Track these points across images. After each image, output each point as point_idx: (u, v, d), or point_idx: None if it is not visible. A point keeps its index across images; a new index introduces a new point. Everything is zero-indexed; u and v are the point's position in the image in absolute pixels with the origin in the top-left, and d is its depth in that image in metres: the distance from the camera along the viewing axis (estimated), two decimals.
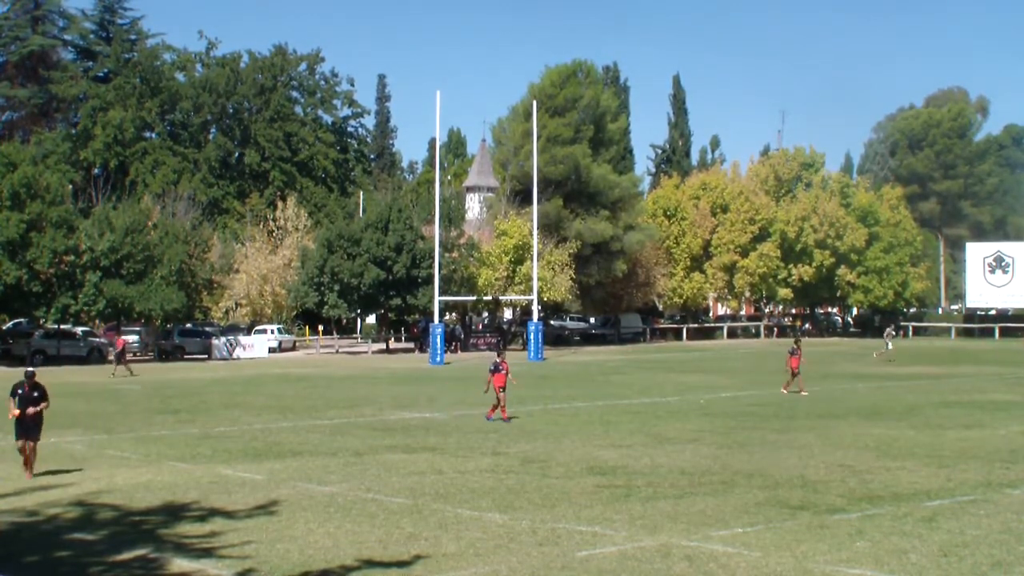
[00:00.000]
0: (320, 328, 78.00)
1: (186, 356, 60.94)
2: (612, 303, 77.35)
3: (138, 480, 17.61)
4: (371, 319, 79.31)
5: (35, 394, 18.20)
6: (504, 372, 25.99)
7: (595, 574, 11.42)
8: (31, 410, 18.08)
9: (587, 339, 76.84)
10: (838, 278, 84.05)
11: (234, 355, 61.82)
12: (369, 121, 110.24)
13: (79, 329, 61.83)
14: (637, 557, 12.08)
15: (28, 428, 18.09)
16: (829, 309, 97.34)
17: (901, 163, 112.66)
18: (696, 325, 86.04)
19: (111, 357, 46.76)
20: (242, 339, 64.86)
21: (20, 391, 18.22)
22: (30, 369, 19.04)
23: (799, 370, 32.97)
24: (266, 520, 14.27)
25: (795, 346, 33.79)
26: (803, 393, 32.13)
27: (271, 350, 65.31)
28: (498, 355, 27.27)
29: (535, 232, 61.56)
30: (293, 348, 72.66)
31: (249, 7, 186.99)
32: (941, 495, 15.76)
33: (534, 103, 64.02)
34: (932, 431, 23.36)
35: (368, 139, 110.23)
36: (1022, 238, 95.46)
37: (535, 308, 61.13)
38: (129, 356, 62.11)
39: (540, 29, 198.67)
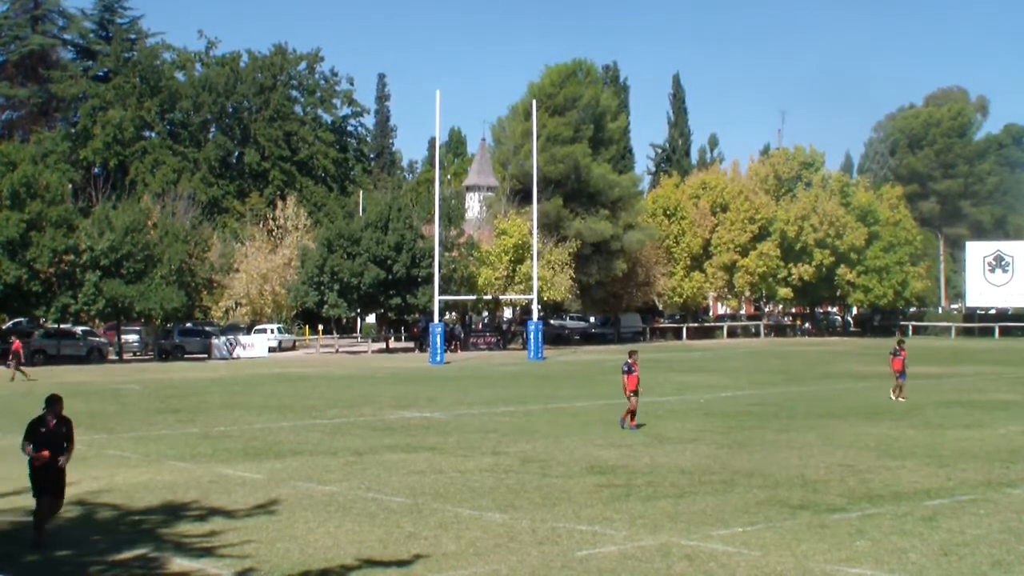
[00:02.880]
0: (320, 328, 78.01)
1: (186, 356, 60.95)
2: (612, 303, 77.35)
3: (138, 480, 17.61)
4: (371, 319, 79.34)
5: (63, 429, 13.11)
6: (637, 373, 24.05)
7: (595, 574, 11.42)
8: (62, 460, 12.99)
9: (587, 338, 76.85)
10: (838, 277, 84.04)
11: (234, 355, 61.82)
12: (369, 121, 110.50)
13: (79, 329, 61.83)
14: (637, 557, 12.09)
15: (54, 479, 13.00)
16: (829, 308, 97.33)
17: (901, 162, 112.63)
18: (696, 324, 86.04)
19: (10, 359, 44.78)
20: (242, 339, 64.88)
21: (42, 428, 12.96)
22: (55, 394, 13.45)
23: (904, 372, 30.40)
24: (266, 519, 14.28)
25: (897, 346, 30.92)
26: (892, 396, 30.12)
27: (271, 350, 65.33)
28: (630, 355, 24.79)
29: (535, 231, 61.58)
30: (293, 348, 72.69)
31: (249, 7, 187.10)
32: (941, 495, 15.76)
33: (534, 102, 64.04)
34: (932, 431, 23.35)
35: (368, 138, 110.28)
36: (1022, 237, 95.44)
37: (535, 307, 61.14)
38: (128, 356, 62.57)
39: (540, 29, 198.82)
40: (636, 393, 23.91)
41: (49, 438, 12.88)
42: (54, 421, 13.03)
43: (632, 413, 23.98)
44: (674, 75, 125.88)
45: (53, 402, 13.12)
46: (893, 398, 30.09)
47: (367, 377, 43.19)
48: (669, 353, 61.59)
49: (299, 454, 20.51)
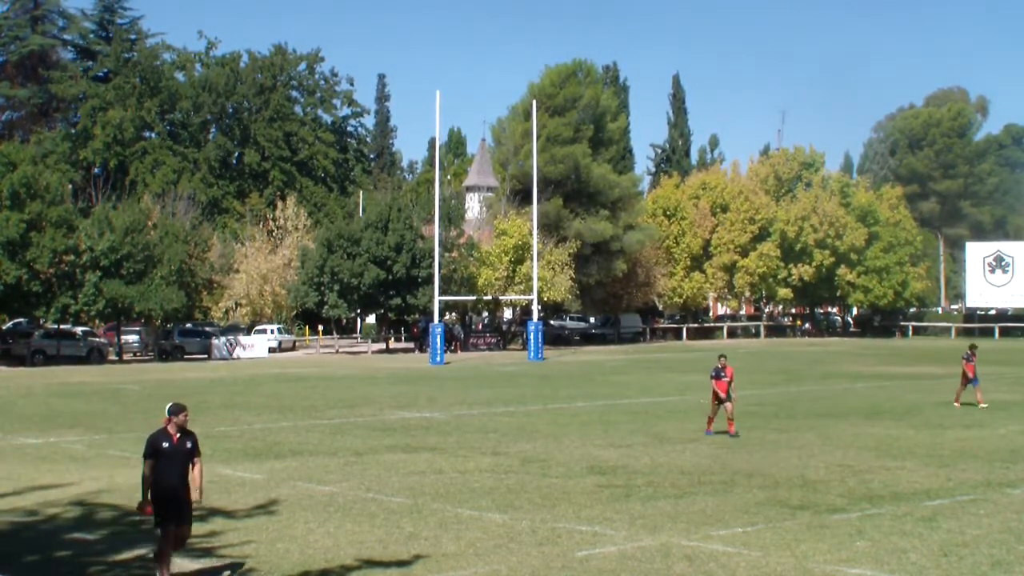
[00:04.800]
0: (320, 328, 78.00)
1: (186, 356, 60.94)
2: (612, 303, 77.34)
3: (138, 480, 17.55)
4: (371, 319, 79.35)
5: (188, 445, 11.16)
6: (728, 379, 22.65)
7: (595, 574, 11.43)
8: (196, 496, 11.24)
9: (587, 339, 76.84)
10: (838, 278, 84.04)
11: (234, 355, 61.81)
12: (369, 121, 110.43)
13: (79, 329, 61.83)
14: (637, 557, 12.09)
15: (181, 503, 11.07)
16: (829, 309, 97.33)
17: (901, 163, 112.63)
18: (696, 325, 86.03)
19: None
20: (242, 339, 64.85)
21: (164, 443, 11.02)
22: (180, 402, 11.44)
23: (975, 378, 28.56)
24: (266, 520, 14.28)
25: (970, 351, 29.27)
26: (982, 405, 28.05)
27: (271, 350, 65.30)
28: (719, 358, 23.32)
29: (535, 232, 61.57)
30: (293, 348, 72.66)
31: (249, 7, 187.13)
32: (941, 495, 15.77)
33: (534, 103, 64.02)
34: (932, 431, 23.36)
35: (368, 139, 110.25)
36: (1022, 238, 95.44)
37: (535, 308, 61.12)
38: (128, 356, 62.54)
39: (540, 29, 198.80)
40: (729, 398, 22.53)
41: (174, 456, 10.93)
42: (178, 435, 11.04)
43: (715, 418, 22.72)
44: (674, 75, 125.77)
45: (178, 411, 11.11)
46: (957, 405, 28.42)
47: (367, 377, 43.19)
48: (669, 353, 61.60)
49: (299, 454, 20.51)
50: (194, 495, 11.09)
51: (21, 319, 62.90)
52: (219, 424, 25.91)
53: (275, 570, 11.69)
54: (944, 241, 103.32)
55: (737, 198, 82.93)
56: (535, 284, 60.89)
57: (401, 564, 11.88)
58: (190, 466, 11.03)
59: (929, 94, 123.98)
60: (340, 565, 11.88)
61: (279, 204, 78.29)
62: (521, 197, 69.92)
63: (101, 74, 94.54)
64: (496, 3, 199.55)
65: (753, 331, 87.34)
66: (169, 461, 10.86)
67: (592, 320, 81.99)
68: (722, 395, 22.52)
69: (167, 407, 11.19)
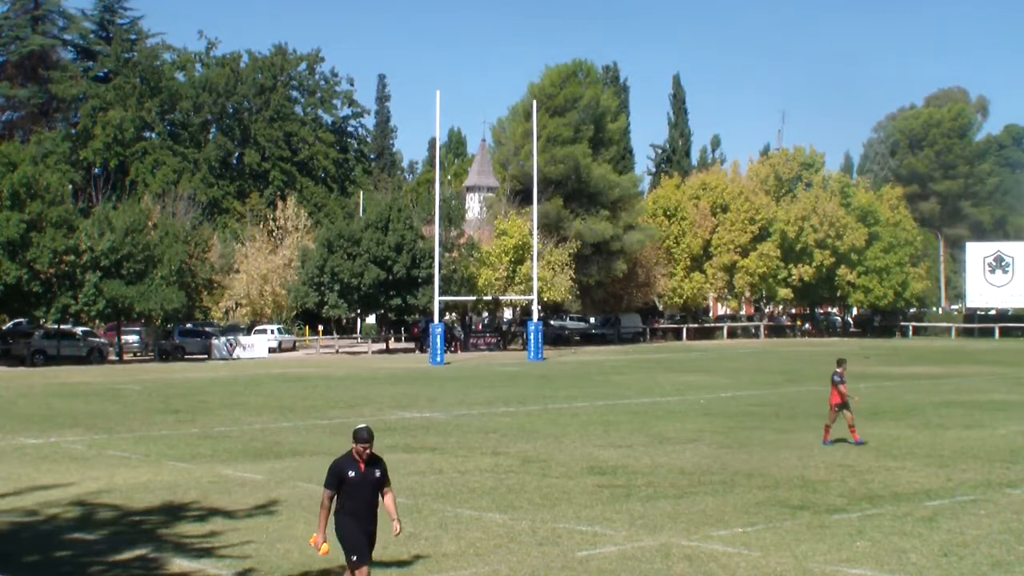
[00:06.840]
0: (320, 328, 78.00)
1: (186, 356, 60.92)
2: (612, 303, 77.34)
3: (138, 480, 17.60)
4: (371, 319, 79.34)
5: (377, 473, 9.90)
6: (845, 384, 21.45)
7: (595, 574, 11.43)
8: (386, 503, 9.97)
9: (587, 339, 76.82)
10: (838, 278, 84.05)
11: (234, 355, 61.80)
12: (369, 121, 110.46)
13: (79, 329, 61.82)
14: (637, 557, 12.09)
15: (369, 538, 9.95)
16: (829, 309, 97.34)
17: (901, 163, 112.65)
18: (696, 325, 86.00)
19: None
20: (242, 339, 64.82)
21: (350, 472, 9.73)
22: (364, 426, 9.88)
23: None
24: (266, 520, 14.28)
25: None
26: None
27: (271, 350, 65.28)
28: (840, 363, 21.86)
29: (535, 232, 61.56)
30: (293, 348, 72.64)
31: (249, 7, 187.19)
32: (941, 495, 15.77)
33: (534, 103, 63.99)
34: (932, 431, 23.35)
35: (368, 139, 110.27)
36: (1022, 238, 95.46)
37: (535, 308, 61.11)
38: (128, 356, 62.54)
39: (540, 29, 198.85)
40: (848, 405, 21.30)
41: (360, 486, 9.71)
42: (364, 463, 9.73)
43: (830, 428, 21.42)
44: (674, 75, 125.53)
45: (369, 438, 9.70)
46: None
47: (367, 378, 43.17)
48: (669, 354, 61.59)
49: (299, 454, 20.51)
50: (394, 527, 9.95)
51: (21, 319, 62.87)
52: (219, 424, 25.91)
53: (275, 570, 11.69)
54: (944, 241, 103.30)
55: (737, 198, 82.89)
56: (535, 284, 60.88)
57: (401, 564, 11.89)
58: (379, 497, 9.87)
59: (929, 94, 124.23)
60: (340, 565, 11.84)
61: (279, 204, 78.27)
62: (521, 197, 69.92)
63: (101, 74, 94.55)
64: (496, 3, 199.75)
65: (753, 331, 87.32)
66: (355, 491, 9.67)
67: (592, 320, 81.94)
68: (835, 402, 21.32)
69: (354, 431, 9.76)
